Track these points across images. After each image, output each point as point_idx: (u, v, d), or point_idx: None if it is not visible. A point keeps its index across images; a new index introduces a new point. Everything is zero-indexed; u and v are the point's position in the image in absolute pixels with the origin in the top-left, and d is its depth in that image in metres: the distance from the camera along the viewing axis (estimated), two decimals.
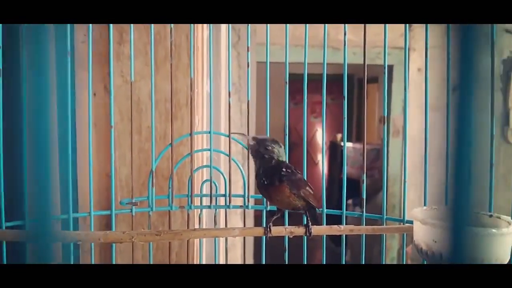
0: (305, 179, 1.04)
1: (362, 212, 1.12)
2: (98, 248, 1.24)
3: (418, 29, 2.50)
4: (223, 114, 1.96)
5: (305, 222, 1.02)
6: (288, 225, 1.05)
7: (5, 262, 0.98)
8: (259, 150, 0.98)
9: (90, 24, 1.05)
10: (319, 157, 5.32)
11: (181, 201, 1.17)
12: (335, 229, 1.03)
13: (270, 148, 0.98)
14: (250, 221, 2.55)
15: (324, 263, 1.14)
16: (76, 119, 1.22)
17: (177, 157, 1.14)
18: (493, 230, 0.83)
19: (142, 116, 1.25)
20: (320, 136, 5.38)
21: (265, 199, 1.13)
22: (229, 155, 1.14)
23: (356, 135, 4.87)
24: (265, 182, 0.97)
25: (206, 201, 1.19)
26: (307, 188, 0.98)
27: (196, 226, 1.22)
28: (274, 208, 1.10)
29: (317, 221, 1.03)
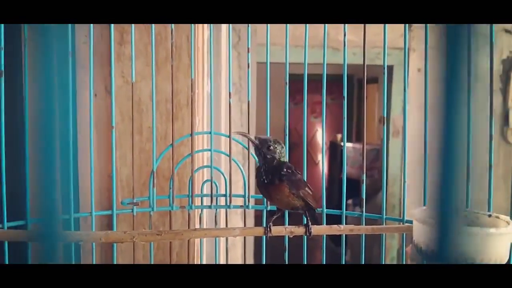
0: (305, 179, 1.05)
1: (362, 212, 1.12)
2: (99, 248, 1.24)
3: (418, 29, 2.50)
4: (224, 114, 1.96)
5: (305, 222, 1.02)
6: (288, 225, 1.06)
7: (7, 262, 0.98)
8: (261, 150, 0.99)
9: (91, 25, 1.05)
10: (319, 157, 5.33)
11: (181, 201, 1.17)
12: (335, 229, 1.04)
13: (272, 148, 0.98)
14: (250, 221, 2.56)
15: (324, 263, 1.15)
16: (77, 119, 1.23)
17: (177, 157, 1.14)
18: (492, 230, 0.84)
19: (143, 116, 1.26)
20: (320, 136, 5.39)
21: (265, 199, 1.13)
22: (229, 155, 1.14)
23: (356, 135, 4.87)
24: (265, 181, 0.97)
25: (206, 201, 1.20)
26: (306, 188, 0.99)
27: (197, 226, 1.23)
28: (275, 208, 1.10)
29: (316, 221, 1.04)
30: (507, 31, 2.74)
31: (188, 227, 1.16)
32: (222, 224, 1.52)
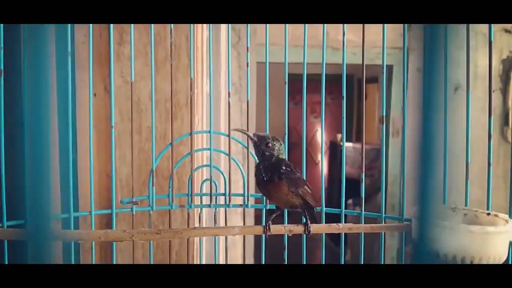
0: (305, 178, 1.05)
1: (361, 211, 1.12)
2: (99, 247, 1.25)
3: (418, 29, 2.50)
4: (223, 114, 1.97)
5: (304, 221, 1.03)
6: (288, 223, 1.06)
7: (6, 261, 0.98)
8: (260, 147, 0.99)
9: (91, 25, 1.06)
10: (319, 157, 5.33)
11: (181, 200, 1.18)
12: (333, 227, 1.04)
13: (270, 145, 0.99)
14: (250, 221, 2.56)
15: (324, 263, 1.15)
16: (76, 119, 1.23)
17: (177, 156, 1.15)
18: (491, 228, 0.84)
19: (142, 116, 1.26)
20: (321, 136, 5.39)
21: (264, 198, 1.13)
22: (228, 154, 1.14)
23: (356, 135, 4.87)
24: (264, 178, 0.98)
25: (206, 200, 1.20)
26: (305, 187, 0.99)
27: (196, 225, 1.23)
28: (274, 207, 1.11)
29: (315, 220, 1.04)
30: (507, 30, 2.74)
31: (188, 226, 1.16)
32: (221, 224, 1.52)
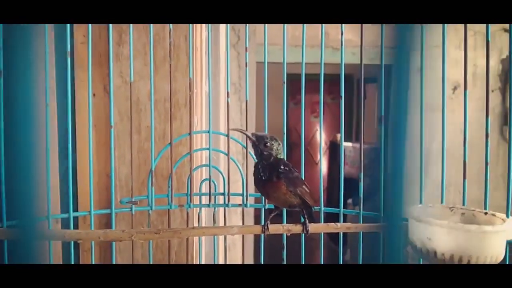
0: (304, 178, 1.05)
1: (359, 210, 1.13)
2: (98, 247, 1.25)
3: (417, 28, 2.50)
4: (223, 114, 1.97)
5: (302, 220, 1.03)
6: (287, 223, 1.06)
7: (6, 261, 0.99)
8: (258, 146, 0.99)
9: (90, 25, 1.06)
10: (319, 156, 5.33)
11: (180, 200, 1.18)
12: (332, 227, 1.04)
13: (269, 145, 0.99)
14: (250, 221, 2.56)
15: (323, 263, 1.15)
16: (76, 119, 1.23)
17: (176, 156, 1.15)
18: (488, 227, 0.84)
19: (142, 116, 1.27)
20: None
21: (263, 198, 1.14)
22: (227, 154, 1.15)
23: (356, 134, 4.87)
24: (263, 178, 0.98)
25: (205, 200, 1.20)
26: (304, 186, 0.99)
27: (195, 225, 1.23)
28: (273, 207, 1.11)
29: (313, 219, 1.04)
30: (506, 30, 2.73)
31: (187, 226, 1.16)
32: (221, 223, 1.52)
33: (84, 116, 1.20)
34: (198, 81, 1.40)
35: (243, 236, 1.24)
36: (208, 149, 1.16)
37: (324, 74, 1.11)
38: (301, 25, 1.09)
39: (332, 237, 3.50)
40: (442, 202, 1.05)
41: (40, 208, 0.37)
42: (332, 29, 2.54)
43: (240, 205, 1.18)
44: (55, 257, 1.16)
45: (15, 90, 0.35)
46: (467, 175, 1.04)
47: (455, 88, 2.69)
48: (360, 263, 1.12)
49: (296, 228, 1.02)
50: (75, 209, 1.22)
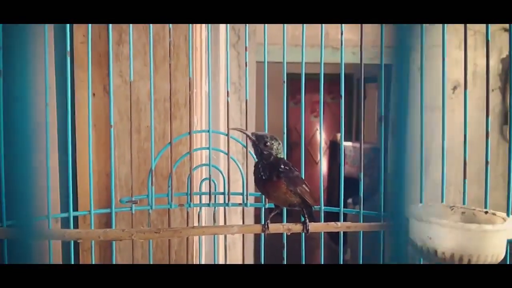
0: (304, 177, 1.05)
1: (360, 209, 1.13)
2: (98, 247, 1.25)
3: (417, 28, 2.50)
4: (223, 113, 1.97)
5: (302, 219, 1.03)
6: (287, 222, 1.06)
7: (6, 260, 0.98)
8: (258, 146, 0.99)
9: (90, 25, 1.06)
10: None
11: (180, 199, 1.18)
12: (332, 226, 1.04)
13: (269, 144, 0.99)
14: (249, 220, 2.56)
15: (323, 262, 1.15)
16: (75, 119, 1.23)
17: (176, 156, 1.15)
18: (488, 226, 0.84)
19: (141, 115, 1.27)
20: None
21: (264, 197, 1.14)
22: (227, 153, 1.15)
23: (356, 134, 4.86)
24: (263, 177, 0.98)
25: (205, 199, 1.20)
26: (304, 185, 0.99)
27: (196, 224, 1.23)
28: (273, 206, 1.11)
29: (313, 219, 1.04)
30: (506, 30, 2.73)
31: (187, 225, 1.16)
32: (221, 223, 1.53)
33: (84, 116, 1.20)
34: (198, 81, 1.40)
35: (243, 235, 1.24)
36: (208, 148, 1.16)
37: (324, 73, 1.11)
38: (301, 25, 1.09)
39: (333, 237, 3.49)
40: (442, 201, 1.05)
41: (40, 207, 0.37)
42: (332, 28, 2.54)
43: (240, 204, 1.18)
44: (55, 257, 1.16)
45: (15, 90, 0.35)
46: (467, 175, 1.04)
47: (455, 88, 2.69)
48: (361, 262, 1.12)
49: (296, 227, 1.02)
50: (75, 209, 1.22)
